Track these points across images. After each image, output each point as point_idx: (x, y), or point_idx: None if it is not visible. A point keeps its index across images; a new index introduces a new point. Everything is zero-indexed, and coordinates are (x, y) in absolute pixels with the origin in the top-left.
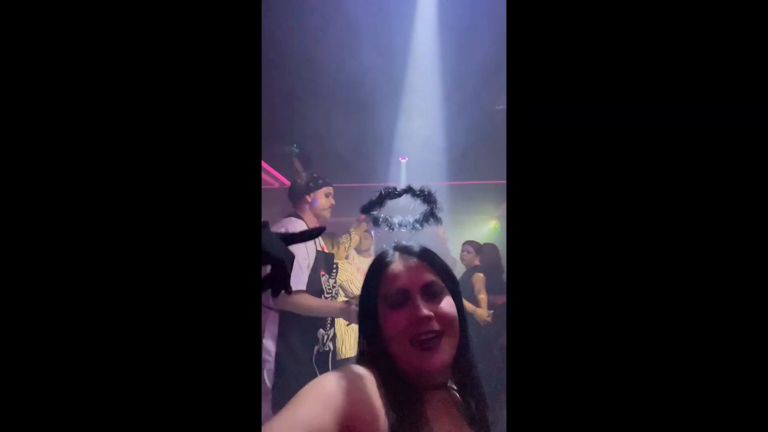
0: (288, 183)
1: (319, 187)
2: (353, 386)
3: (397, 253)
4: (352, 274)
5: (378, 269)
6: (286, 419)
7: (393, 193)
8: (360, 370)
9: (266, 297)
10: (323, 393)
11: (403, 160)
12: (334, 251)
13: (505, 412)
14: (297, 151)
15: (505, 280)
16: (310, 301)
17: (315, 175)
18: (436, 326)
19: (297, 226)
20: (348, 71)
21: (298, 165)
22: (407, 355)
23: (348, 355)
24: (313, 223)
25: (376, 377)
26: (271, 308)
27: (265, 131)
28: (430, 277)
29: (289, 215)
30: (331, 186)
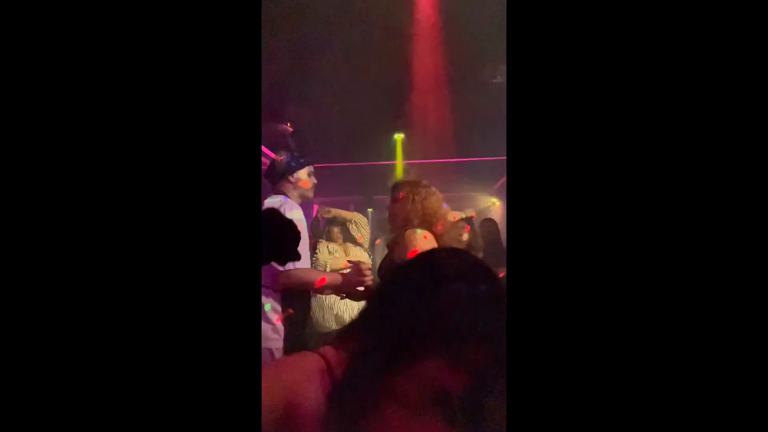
0: None
1: (301, 166)
2: (303, 371)
3: None
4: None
5: None
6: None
7: None
8: (312, 356)
9: (268, 277)
10: (274, 378)
11: (399, 137)
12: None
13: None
14: (291, 129)
15: (503, 254)
16: (314, 275)
17: (296, 154)
18: None
19: (292, 206)
20: (343, 48)
21: (292, 144)
22: None
23: (330, 326)
24: (299, 201)
25: (326, 363)
26: (275, 289)
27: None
28: None
29: (276, 194)
30: (312, 165)
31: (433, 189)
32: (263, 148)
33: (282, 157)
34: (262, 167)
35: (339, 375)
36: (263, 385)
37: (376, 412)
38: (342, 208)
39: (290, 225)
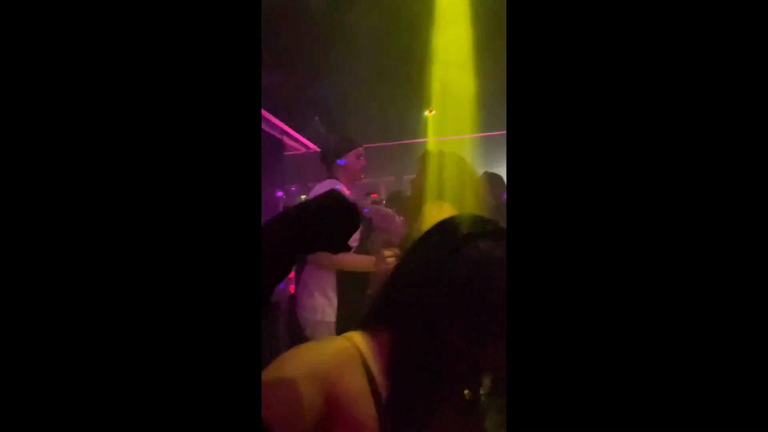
0: (314, 148)
1: (349, 149)
2: (340, 359)
3: None
4: None
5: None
6: (273, 392)
7: None
8: (342, 342)
9: (313, 257)
10: (311, 366)
11: (430, 114)
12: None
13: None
14: (317, 118)
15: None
16: (346, 258)
17: (344, 136)
18: None
19: (340, 191)
20: (368, 25)
21: (321, 128)
22: None
23: None
24: (349, 184)
25: (357, 350)
26: (323, 267)
27: (288, 96)
28: None
29: (327, 179)
30: (361, 146)
31: (462, 158)
32: (297, 135)
33: (331, 141)
34: (294, 153)
35: (370, 361)
36: (300, 371)
37: (411, 397)
38: (372, 189)
39: (351, 211)
